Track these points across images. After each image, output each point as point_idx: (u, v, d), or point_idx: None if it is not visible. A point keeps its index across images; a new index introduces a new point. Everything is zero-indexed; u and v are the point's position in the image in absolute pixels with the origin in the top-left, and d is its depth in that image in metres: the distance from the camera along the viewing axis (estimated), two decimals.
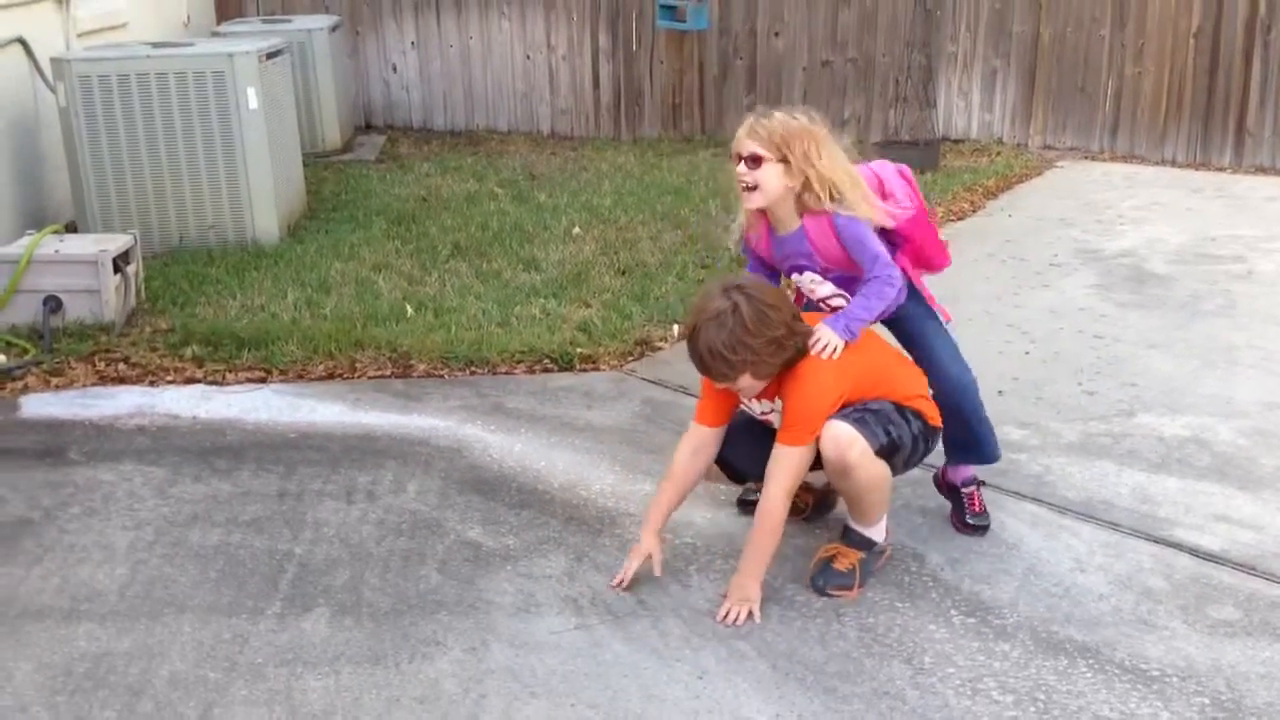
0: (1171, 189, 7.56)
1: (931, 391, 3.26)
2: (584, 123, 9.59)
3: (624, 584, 3.12)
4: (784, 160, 3.06)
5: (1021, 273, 5.87)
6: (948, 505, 3.50)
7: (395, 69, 9.78)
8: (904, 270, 3.29)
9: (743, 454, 3.20)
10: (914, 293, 3.36)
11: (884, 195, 3.24)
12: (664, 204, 7.20)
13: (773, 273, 3.32)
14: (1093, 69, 8.43)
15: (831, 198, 3.07)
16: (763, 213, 3.18)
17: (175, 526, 3.48)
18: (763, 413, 3.17)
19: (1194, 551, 3.29)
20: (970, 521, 3.41)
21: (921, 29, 8.74)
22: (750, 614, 2.99)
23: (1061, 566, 3.23)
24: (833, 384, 3.01)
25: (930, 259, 3.41)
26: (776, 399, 3.12)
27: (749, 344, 2.92)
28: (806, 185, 3.07)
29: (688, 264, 5.97)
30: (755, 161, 3.07)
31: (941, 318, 3.42)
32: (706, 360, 2.97)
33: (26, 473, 3.83)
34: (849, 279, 3.18)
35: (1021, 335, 5.00)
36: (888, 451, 3.02)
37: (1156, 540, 3.35)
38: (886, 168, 3.33)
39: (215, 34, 8.18)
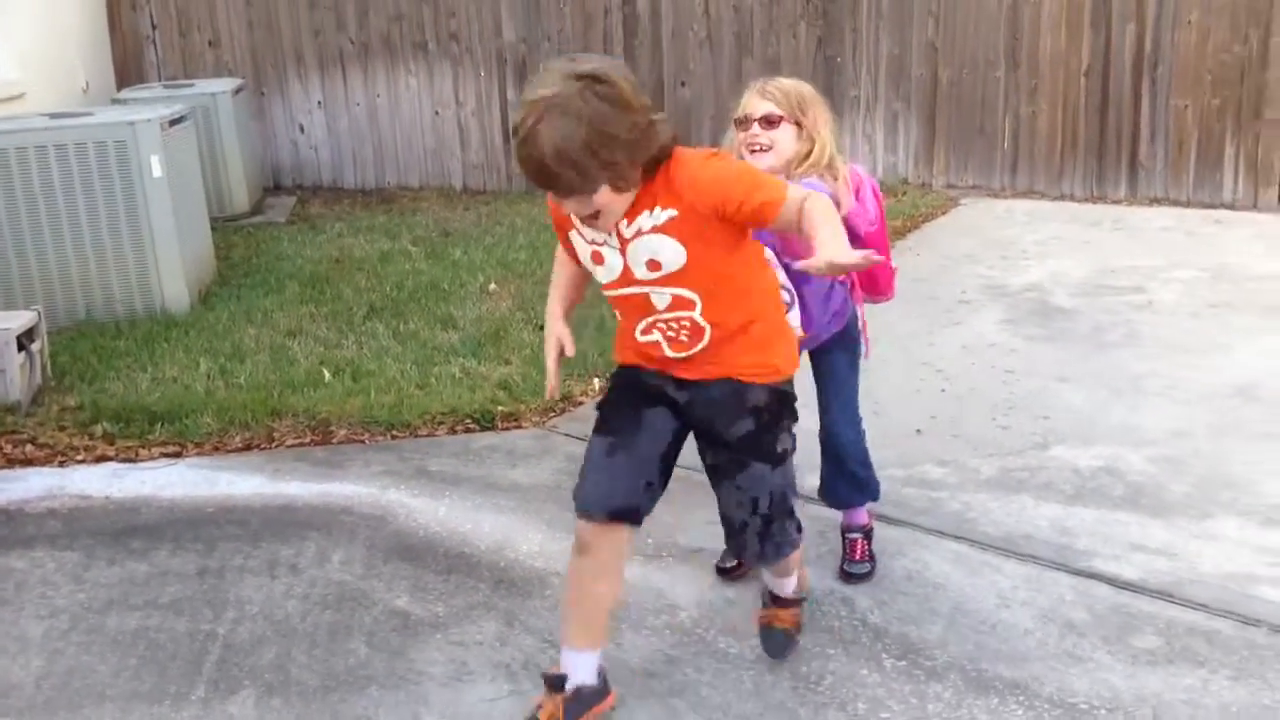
0: (1071, 223, 7.79)
1: (822, 436, 3.33)
2: (496, 177, 9.61)
3: (555, 392, 2.75)
4: (798, 124, 3.02)
5: (933, 310, 5.99)
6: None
7: (302, 129, 9.72)
8: (852, 288, 3.27)
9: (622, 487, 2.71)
10: (846, 332, 3.29)
11: (857, 197, 3.22)
12: None
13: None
14: (990, 109, 8.68)
15: (822, 175, 2.98)
16: None
17: (92, 613, 3.38)
18: (598, 244, 2.54)
19: (1113, 581, 3.37)
20: (846, 569, 3.40)
21: (824, 75, 8.93)
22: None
23: (987, 603, 3.28)
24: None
25: (879, 282, 3.38)
26: (613, 234, 2.46)
27: (613, 135, 2.24)
28: (808, 155, 3.01)
29: (604, 316, 5.98)
30: (771, 123, 3.03)
31: (861, 357, 3.37)
32: (552, 167, 2.24)
33: None
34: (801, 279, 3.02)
35: (936, 373, 5.09)
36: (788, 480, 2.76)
37: (1076, 572, 3.42)
38: (862, 173, 3.29)
39: (115, 101, 8.06)
